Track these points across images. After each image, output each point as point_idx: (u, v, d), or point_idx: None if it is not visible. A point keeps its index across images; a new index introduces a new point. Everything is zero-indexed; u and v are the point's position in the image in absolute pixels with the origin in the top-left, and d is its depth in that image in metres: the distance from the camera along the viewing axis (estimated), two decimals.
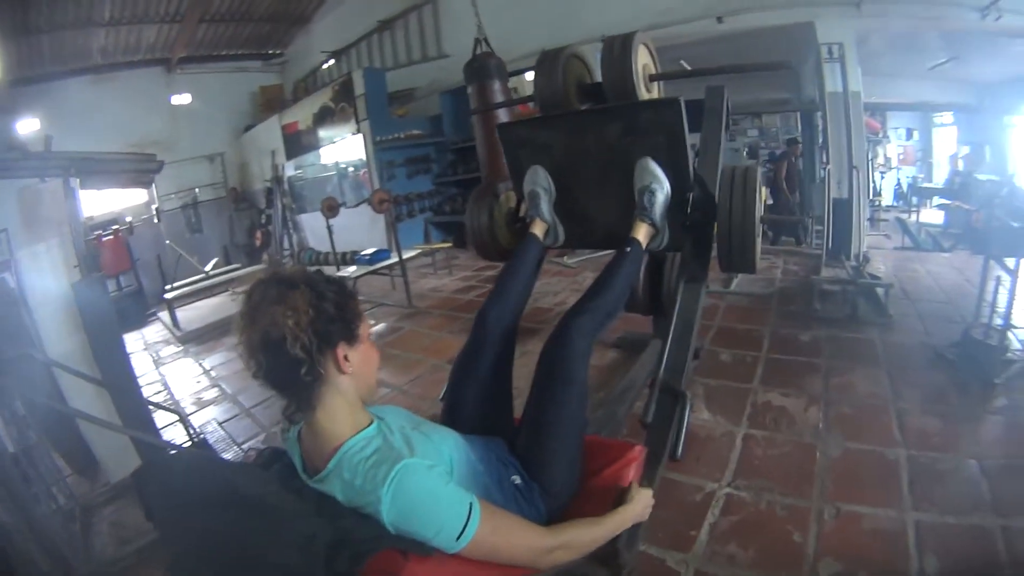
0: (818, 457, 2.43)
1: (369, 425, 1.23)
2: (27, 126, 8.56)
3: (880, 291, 4.10)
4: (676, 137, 2.10)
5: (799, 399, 2.89)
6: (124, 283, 9.63)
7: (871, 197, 9.38)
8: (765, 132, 10.05)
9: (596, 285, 1.87)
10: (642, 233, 2.08)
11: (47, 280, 3.22)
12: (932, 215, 8.46)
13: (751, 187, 2.13)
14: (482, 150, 4.85)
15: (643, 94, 2.39)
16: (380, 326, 5.49)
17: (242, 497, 1.19)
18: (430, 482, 1.14)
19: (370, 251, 6.50)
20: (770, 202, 7.84)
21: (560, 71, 2.49)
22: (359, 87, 8.89)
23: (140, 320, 8.82)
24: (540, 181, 2.38)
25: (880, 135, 9.77)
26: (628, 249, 2.01)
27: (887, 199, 10.16)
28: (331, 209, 6.75)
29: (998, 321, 3.29)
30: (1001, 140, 8.83)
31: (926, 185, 9.90)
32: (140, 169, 3.46)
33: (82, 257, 3.33)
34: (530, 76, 7.86)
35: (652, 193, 2.11)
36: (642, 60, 2.46)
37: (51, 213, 3.32)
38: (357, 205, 6.80)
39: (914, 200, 9.31)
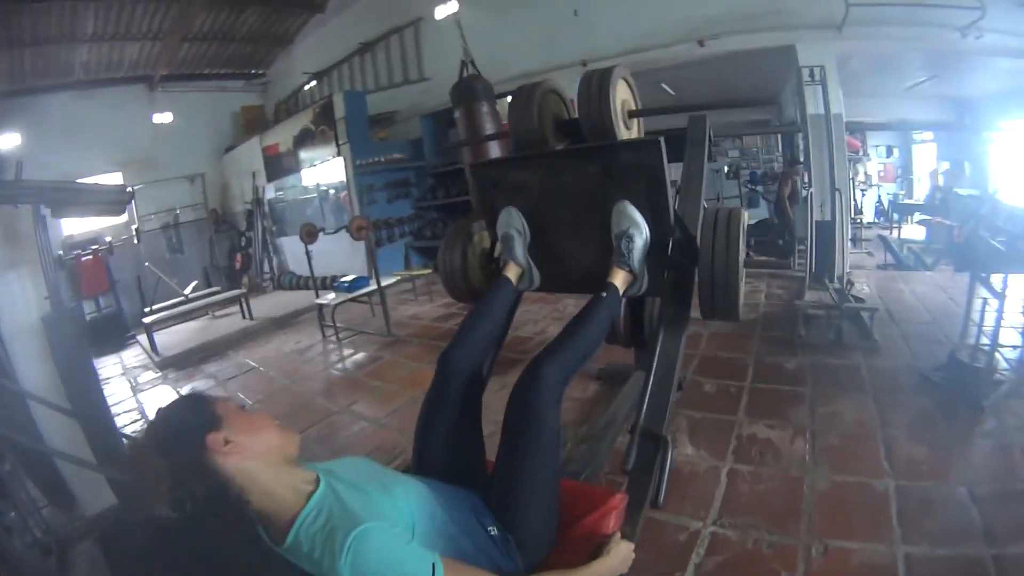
0: (805, 491, 2.37)
1: (317, 488, 1.20)
2: (7, 141, 8.52)
3: (865, 315, 4.09)
4: (656, 179, 2.05)
5: (785, 431, 2.84)
6: (103, 304, 9.50)
7: (852, 215, 9.45)
8: (746, 152, 10.15)
9: (569, 328, 1.82)
10: (619, 279, 2.03)
11: (18, 309, 3.14)
12: (914, 231, 8.53)
13: (735, 231, 2.06)
14: (470, 175, 4.85)
15: (622, 131, 2.33)
16: (359, 355, 5.42)
17: (207, 565, 1.17)
18: (388, 546, 1.10)
19: (349, 278, 6.43)
20: (775, 221, 7.89)
21: (535, 107, 2.41)
22: (339, 110, 8.83)
23: (119, 343, 8.66)
24: (514, 223, 2.32)
25: (860, 153, 9.85)
26: (604, 294, 1.96)
27: (868, 216, 10.24)
28: (310, 235, 6.68)
29: (985, 341, 3.27)
30: (981, 156, 8.96)
31: (907, 202, 10.00)
32: (111, 200, 3.43)
33: (53, 289, 3.24)
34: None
35: (630, 239, 2.06)
36: (621, 96, 2.40)
37: (25, 238, 3.24)
38: (335, 232, 6.78)
39: (895, 217, 9.38)
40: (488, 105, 4.78)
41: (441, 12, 7.27)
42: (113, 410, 5.07)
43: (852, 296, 4.80)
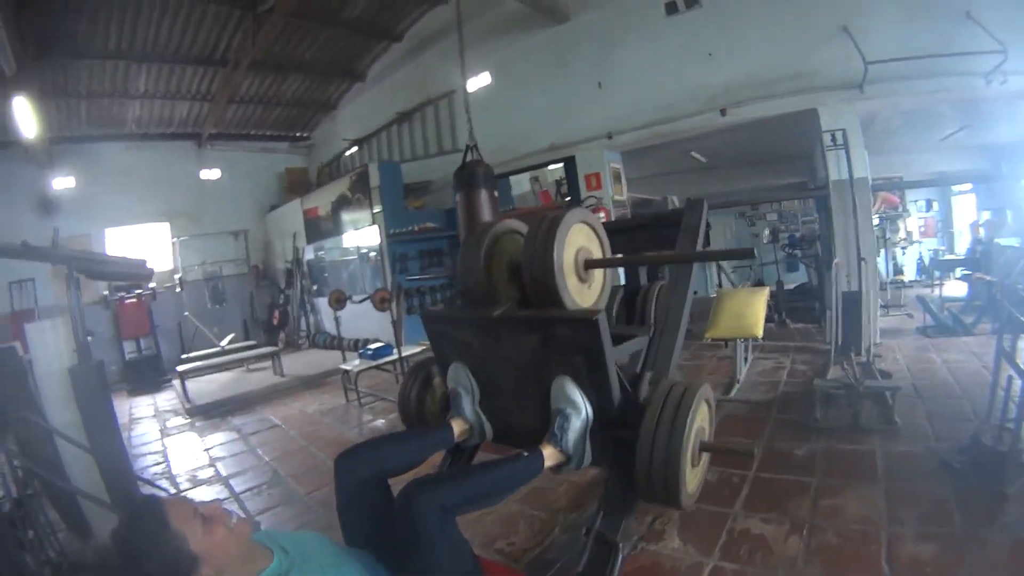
0: None
1: (270, 564, 1.32)
2: (63, 183, 9.36)
3: (887, 394, 3.89)
4: (595, 357, 1.89)
5: (781, 525, 2.69)
6: (143, 346, 9.91)
7: (892, 277, 9.17)
8: (784, 215, 10.05)
9: (472, 467, 1.78)
10: (548, 453, 1.91)
11: (51, 356, 3.40)
12: (956, 287, 8.15)
13: (683, 417, 1.83)
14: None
15: (571, 289, 2.06)
16: (378, 422, 5.49)
17: None
18: None
19: (374, 346, 6.63)
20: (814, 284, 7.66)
21: (483, 255, 2.20)
22: (374, 179, 9.07)
23: (155, 385, 9.09)
24: (461, 380, 2.29)
25: (900, 209, 9.61)
26: (526, 454, 1.85)
27: (910, 274, 9.93)
28: (338, 302, 7.10)
29: (1011, 419, 3.00)
30: (1022, 203, 8.64)
31: (948, 257, 9.68)
32: (133, 273, 3.67)
33: (80, 343, 3.49)
34: (552, 167, 8.28)
35: (566, 418, 1.94)
36: (575, 244, 2.14)
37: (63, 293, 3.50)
38: (361, 301, 7.05)
39: (936, 274, 9.03)
40: (487, 191, 4.81)
41: (473, 85, 7.50)
42: (138, 450, 5.38)
43: (878, 371, 4.62)
